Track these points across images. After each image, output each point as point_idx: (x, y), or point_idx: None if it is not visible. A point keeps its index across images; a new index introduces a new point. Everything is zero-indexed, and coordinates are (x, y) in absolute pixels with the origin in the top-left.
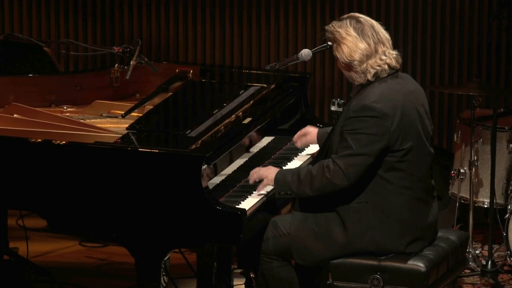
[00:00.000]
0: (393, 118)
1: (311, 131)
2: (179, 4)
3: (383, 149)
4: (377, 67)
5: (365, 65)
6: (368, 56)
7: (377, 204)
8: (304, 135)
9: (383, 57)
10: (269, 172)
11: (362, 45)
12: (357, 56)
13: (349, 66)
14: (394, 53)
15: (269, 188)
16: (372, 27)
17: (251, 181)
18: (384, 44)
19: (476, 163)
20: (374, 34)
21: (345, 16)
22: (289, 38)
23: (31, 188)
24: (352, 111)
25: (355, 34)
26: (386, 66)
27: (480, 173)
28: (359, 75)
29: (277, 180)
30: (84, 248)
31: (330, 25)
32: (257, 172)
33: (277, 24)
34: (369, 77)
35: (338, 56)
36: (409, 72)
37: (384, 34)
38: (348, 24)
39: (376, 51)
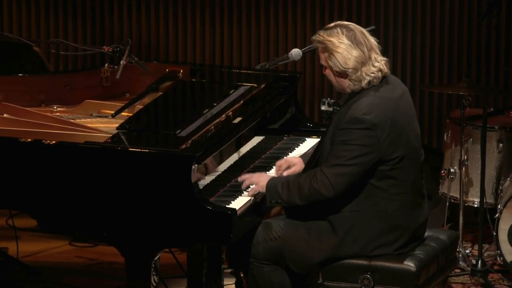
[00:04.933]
0: (383, 128)
1: (297, 162)
2: (169, 4)
3: (373, 160)
4: (372, 74)
5: (359, 72)
6: (362, 63)
7: (369, 212)
8: (289, 166)
9: (376, 64)
10: (261, 179)
11: (356, 53)
12: (351, 64)
13: (343, 74)
14: (384, 59)
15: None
16: (363, 33)
17: (243, 187)
18: (375, 51)
19: (466, 163)
20: (366, 41)
21: (332, 24)
22: (279, 37)
23: (21, 188)
24: (343, 122)
25: (349, 42)
26: (379, 73)
27: (470, 172)
28: (354, 82)
29: (268, 188)
30: (74, 248)
31: (318, 34)
32: (249, 179)
33: (267, 24)
34: (363, 84)
35: (331, 65)
36: (399, 72)
37: (373, 40)
38: (340, 32)
39: (370, 57)
